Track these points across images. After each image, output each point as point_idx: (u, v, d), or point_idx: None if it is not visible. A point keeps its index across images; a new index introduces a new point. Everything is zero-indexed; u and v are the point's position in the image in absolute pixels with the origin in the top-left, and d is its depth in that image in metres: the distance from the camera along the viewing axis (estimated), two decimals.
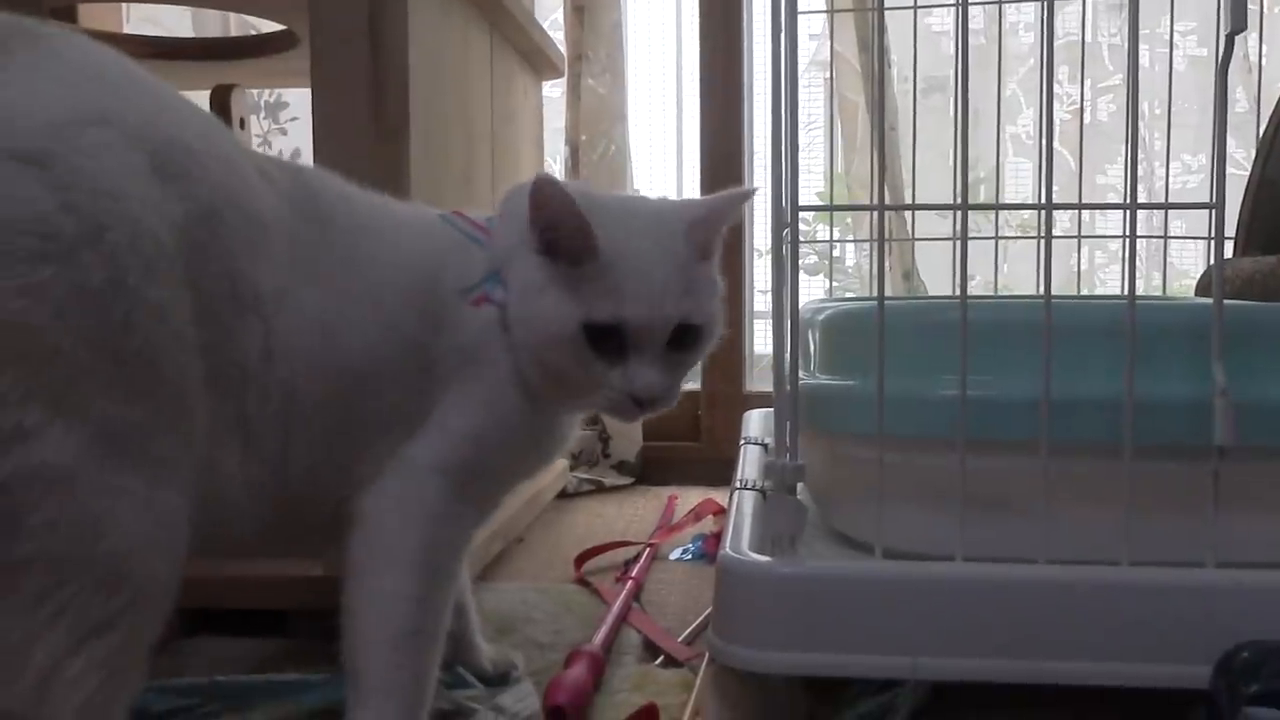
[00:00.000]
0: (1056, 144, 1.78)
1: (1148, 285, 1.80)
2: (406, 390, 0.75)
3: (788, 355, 0.87)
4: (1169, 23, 1.59)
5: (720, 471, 1.54)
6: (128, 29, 1.77)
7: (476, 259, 0.79)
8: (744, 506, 1.03)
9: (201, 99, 1.62)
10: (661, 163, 2.21)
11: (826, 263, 1.93)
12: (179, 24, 2.01)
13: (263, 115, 2.22)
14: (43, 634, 0.53)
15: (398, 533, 0.74)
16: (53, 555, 0.53)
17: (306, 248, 0.70)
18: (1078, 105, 1.83)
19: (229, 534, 0.69)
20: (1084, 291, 1.80)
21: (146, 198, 0.57)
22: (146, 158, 0.58)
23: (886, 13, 1.72)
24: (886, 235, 0.98)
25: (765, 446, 1.34)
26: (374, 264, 0.75)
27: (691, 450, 1.99)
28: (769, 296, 0.88)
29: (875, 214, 0.89)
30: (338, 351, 0.71)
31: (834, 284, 1.97)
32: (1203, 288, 1.48)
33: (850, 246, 2.10)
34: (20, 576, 0.52)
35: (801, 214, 0.86)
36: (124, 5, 1.76)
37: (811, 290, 2.02)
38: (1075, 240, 1.75)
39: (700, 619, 1.11)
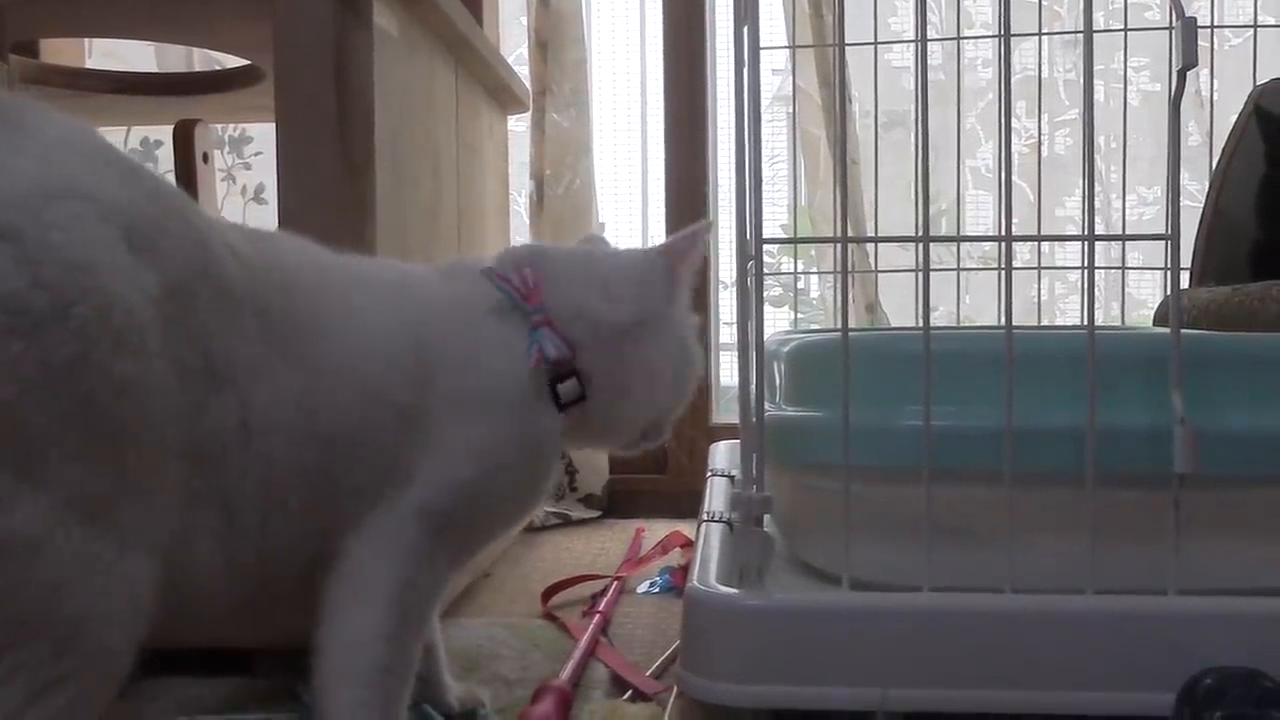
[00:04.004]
0: (1015, 177, 1.80)
1: (1107, 315, 1.83)
2: (392, 452, 0.75)
3: (753, 387, 0.87)
4: (1123, 59, 1.63)
5: (687, 504, 1.55)
6: (90, 64, 1.77)
7: (460, 315, 0.81)
8: (711, 539, 1.03)
9: (165, 134, 1.61)
10: (627, 196, 2.22)
11: (791, 295, 1.95)
12: (142, 59, 2.01)
13: (226, 150, 2.21)
14: None
15: (376, 572, 0.74)
16: (14, 616, 0.53)
17: (278, 320, 0.70)
18: (1035, 139, 1.86)
19: (202, 607, 0.69)
20: (1044, 322, 1.82)
21: (118, 269, 0.57)
22: (118, 230, 0.58)
23: (847, 49, 1.75)
24: (850, 267, 0.99)
25: (732, 478, 1.35)
26: (350, 331, 0.75)
27: (658, 483, 1.98)
28: (734, 329, 0.89)
29: (838, 246, 0.90)
30: (317, 423, 0.70)
31: (798, 316, 1.98)
32: (1160, 317, 1.50)
33: (814, 279, 2.12)
34: None
35: (766, 246, 0.87)
36: (86, 40, 1.75)
37: (776, 322, 2.04)
38: (1035, 271, 1.78)
39: (668, 652, 1.10)
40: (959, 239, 1.89)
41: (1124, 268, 1.72)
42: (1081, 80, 0.90)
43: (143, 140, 2.13)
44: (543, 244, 0.84)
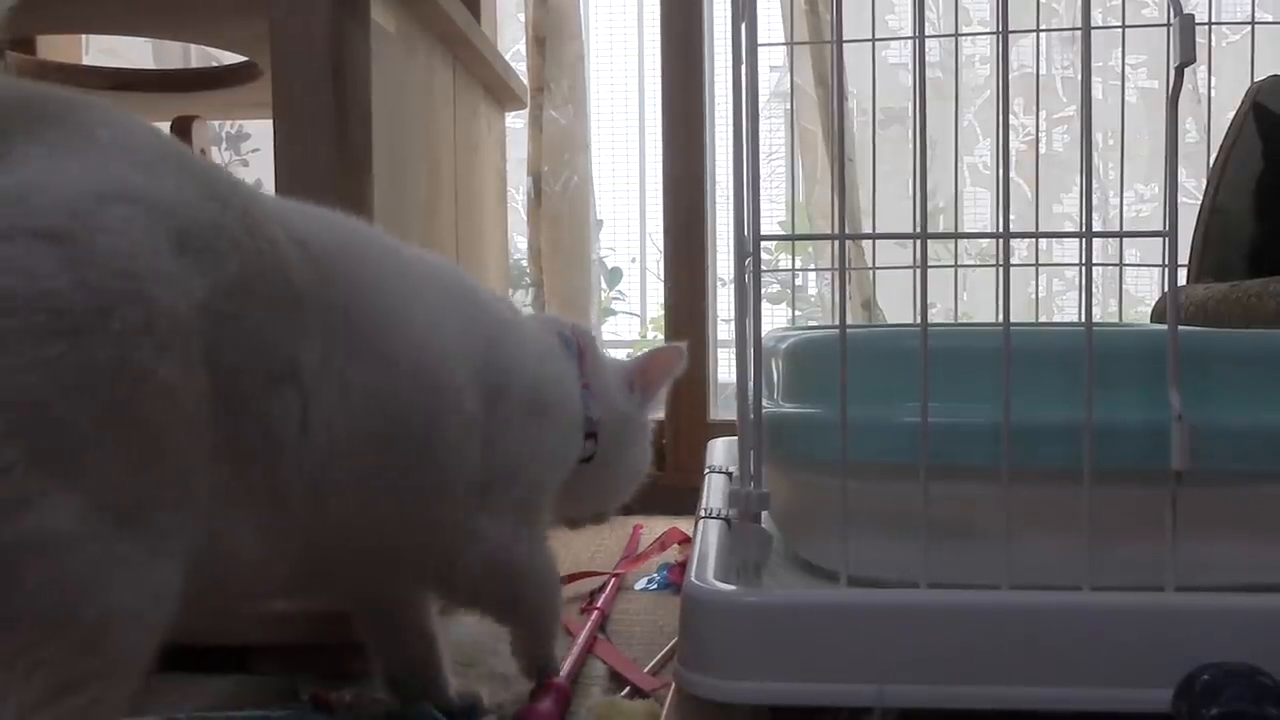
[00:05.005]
0: (1013, 174, 1.81)
1: (1104, 312, 1.83)
2: (472, 450, 0.80)
3: (751, 383, 0.87)
4: (1120, 56, 1.63)
5: (685, 500, 1.54)
6: (87, 60, 1.76)
7: (534, 338, 0.93)
8: (709, 535, 1.03)
9: (162, 130, 1.61)
10: (624, 193, 2.22)
11: (789, 292, 1.95)
12: (140, 55, 2.00)
13: (224, 147, 2.21)
14: (17, 687, 0.52)
15: (501, 553, 0.87)
16: (40, 615, 0.53)
17: (346, 315, 0.70)
18: (1033, 136, 1.86)
19: (239, 605, 0.70)
20: (1042, 318, 1.83)
21: (165, 274, 0.56)
22: (170, 234, 0.57)
23: (845, 45, 1.75)
24: (847, 264, 0.99)
25: (730, 475, 1.35)
26: (423, 332, 0.76)
27: (656, 479, 1.97)
28: (732, 325, 0.90)
29: (836, 243, 0.90)
30: (384, 420, 0.71)
31: (796, 313, 1.98)
32: (1158, 314, 1.50)
33: (812, 276, 2.12)
34: (5, 632, 0.52)
35: (764, 243, 0.87)
36: (83, 36, 1.75)
37: (774, 319, 2.04)
38: (1033, 268, 1.78)
39: (666, 649, 1.10)
40: (956, 236, 1.89)
41: (1121, 264, 1.72)
42: (1079, 77, 0.90)
43: None
44: (584, 326, 1.03)
